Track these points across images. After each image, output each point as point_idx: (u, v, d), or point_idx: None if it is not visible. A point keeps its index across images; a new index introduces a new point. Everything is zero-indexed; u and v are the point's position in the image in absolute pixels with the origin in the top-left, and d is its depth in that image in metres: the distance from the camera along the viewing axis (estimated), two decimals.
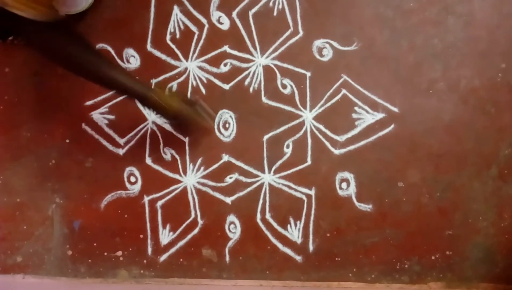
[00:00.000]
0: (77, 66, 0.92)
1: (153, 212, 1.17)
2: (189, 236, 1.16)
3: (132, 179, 1.17)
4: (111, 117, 1.18)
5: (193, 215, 1.16)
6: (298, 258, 1.15)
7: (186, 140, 1.17)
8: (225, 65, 1.16)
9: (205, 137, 1.16)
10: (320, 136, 1.14)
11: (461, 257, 1.13)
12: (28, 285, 1.20)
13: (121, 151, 1.18)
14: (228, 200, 1.16)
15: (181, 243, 1.17)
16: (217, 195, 1.16)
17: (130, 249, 1.18)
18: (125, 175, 1.18)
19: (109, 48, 1.17)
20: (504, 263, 1.13)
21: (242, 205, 1.16)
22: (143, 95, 0.97)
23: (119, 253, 1.18)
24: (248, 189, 1.16)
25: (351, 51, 1.14)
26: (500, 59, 1.11)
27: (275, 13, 1.15)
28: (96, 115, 1.18)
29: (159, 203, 1.17)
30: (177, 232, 1.17)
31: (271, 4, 1.15)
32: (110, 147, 1.18)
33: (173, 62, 1.17)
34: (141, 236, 1.17)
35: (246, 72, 1.16)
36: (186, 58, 1.17)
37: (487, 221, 1.12)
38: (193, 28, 1.17)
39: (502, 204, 1.12)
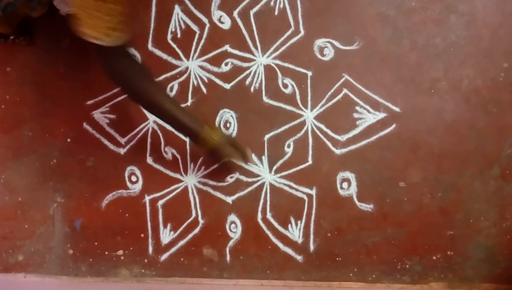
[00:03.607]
0: (139, 93, 0.96)
1: (154, 211, 1.17)
2: (190, 236, 1.16)
3: (133, 178, 1.18)
4: (112, 116, 1.18)
5: (194, 215, 1.16)
6: (299, 257, 1.14)
7: (187, 139, 1.17)
8: (226, 64, 1.16)
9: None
10: (321, 136, 1.14)
11: (463, 257, 1.13)
12: (30, 284, 1.20)
13: (122, 151, 1.18)
14: (229, 199, 1.16)
15: (182, 242, 1.17)
16: (218, 194, 1.16)
17: (131, 248, 1.18)
18: (126, 174, 1.18)
19: None
20: (506, 264, 1.12)
21: (243, 205, 1.15)
22: (195, 132, 1.00)
23: (120, 252, 1.19)
24: (249, 189, 1.15)
25: (352, 51, 1.13)
26: (503, 59, 1.11)
27: (276, 13, 1.15)
28: (97, 114, 1.18)
29: (160, 202, 1.17)
30: (178, 232, 1.17)
31: (272, 3, 1.15)
32: (111, 146, 1.18)
33: (174, 61, 1.17)
34: (142, 235, 1.17)
35: (247, 72, 1.16)
36: (187, 57, 1.17)
37: (489, 221, 1.12)
38: (194, 27, 1.17)
39: (504, 204, 1.11)
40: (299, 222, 1.14)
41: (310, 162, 1.14)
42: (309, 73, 1.14)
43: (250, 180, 1.15)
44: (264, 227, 1.15)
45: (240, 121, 1.16)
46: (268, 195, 1.15)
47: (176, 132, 1.10)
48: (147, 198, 1.17)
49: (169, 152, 1.17)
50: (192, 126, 1.00)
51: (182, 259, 1.17)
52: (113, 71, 0.93)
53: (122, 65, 0.92)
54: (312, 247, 1.14)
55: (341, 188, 1.14)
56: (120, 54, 0.90)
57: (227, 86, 1.16)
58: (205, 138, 1.00)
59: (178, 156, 1.17)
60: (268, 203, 1.15)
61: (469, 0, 1.11)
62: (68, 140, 1.19)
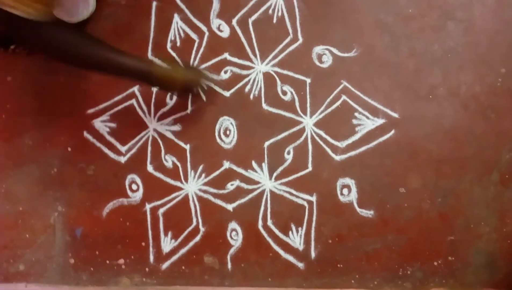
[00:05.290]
0: (74, 53, 0.88)
1: (155, 219, 1.17)
2: (191, 244, 1.16)
3: (134, 186, 1.18)
4: (113, 125, 1.18)
5: (194, 223, 1.16)
6: (300, 265, 1.14)
7: (188, 146, 1.17)
8: (225, 72, 1.17)
9: (207, 144, 1.16)
10: (321, 142, 1.14)
11: (464, 263, 1.13)
12: None
13: (122, 159, 1.18)
14: (230, 207, 1.16)
15: (183, 250, 1.17)
16: (219, 202, 1.16)
17: (132, 257, 1.18)
18: (127, 182, 1.18)
19: None
20: (506, 269, 1.12)
21: (243, 212, 1.16)
22: (147, 72, 0.93)
23: (121, 261, 1.18)
24: (250, 196, 1.16)
25: (351, 58, 1.14)
26: (500, 64, 1.11)
27: (274, 20, 1.16)
28: (97, 123, 1.19)
29: (161, 210, 1.17)
30: (179, 240, 1.17)
31: (270, 11, 1.16)
32: (111, 155, 1.18)
33: None
34: (143, 243, 1.17)
35: (247, 79, 1.16)
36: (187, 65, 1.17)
37: (489, 226, 1.12)
38: (194, 36, 1.17)
39: (504, 209, 1.11)
40: (299, 229, 1.14)
41: (310, 168, 1.14)
42: (308, 80, 1.15)
43: (250, 187, 1.16)
44: (265, 235, 1.15)
45: (239, 128, 1.16)
46: (269, 202, 1.15)
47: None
48: (148, 207, 1.17)
49: (169, 160, 1.17)
50: (139, 66, 0.92)
51: (183, 267, 1.17)
52: (38, 38, 0.85)
53: (48, 28, 0.83)
54: (313, 254, 1.14)
55: (341, 194, 1.14)
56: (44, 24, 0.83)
57: (227, 93, 1.17)
58: (157, 72, 0.93)
59: (178, 164, 1.17)
60: (269, 210, 1.15)
61: (466, 6, 1.12)
62: (69, 148, 1.19)
